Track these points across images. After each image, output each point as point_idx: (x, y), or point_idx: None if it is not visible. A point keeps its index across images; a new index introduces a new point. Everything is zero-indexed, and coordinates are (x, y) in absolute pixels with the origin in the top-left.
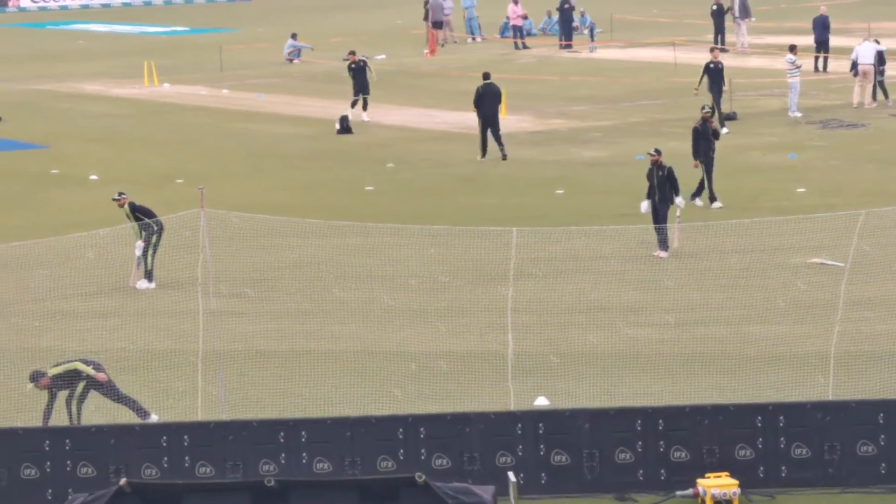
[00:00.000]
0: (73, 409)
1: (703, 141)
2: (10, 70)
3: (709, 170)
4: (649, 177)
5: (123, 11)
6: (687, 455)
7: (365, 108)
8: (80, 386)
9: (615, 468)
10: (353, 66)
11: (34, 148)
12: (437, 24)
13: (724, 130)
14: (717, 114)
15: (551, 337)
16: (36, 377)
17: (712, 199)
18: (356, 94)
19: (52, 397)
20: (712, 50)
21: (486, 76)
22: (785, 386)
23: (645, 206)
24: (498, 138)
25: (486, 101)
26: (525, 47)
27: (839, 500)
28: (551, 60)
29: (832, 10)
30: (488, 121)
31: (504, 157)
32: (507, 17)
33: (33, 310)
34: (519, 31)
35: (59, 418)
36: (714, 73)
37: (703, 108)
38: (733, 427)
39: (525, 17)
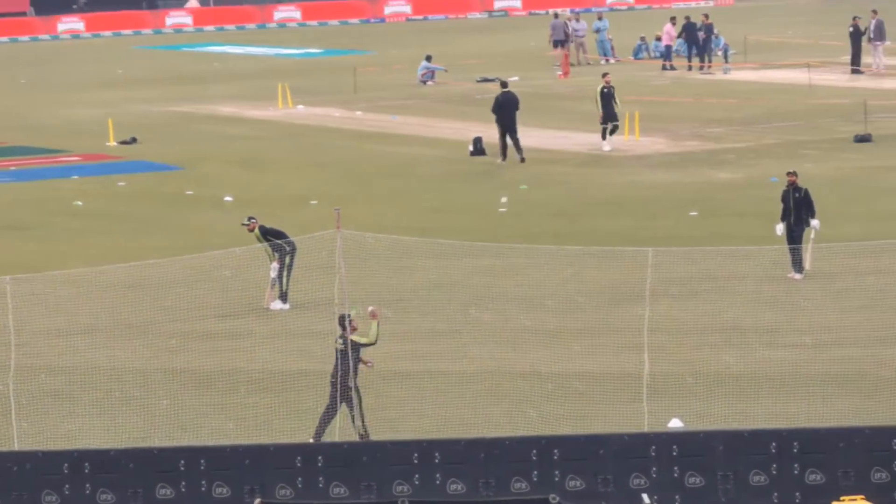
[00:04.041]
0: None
1: None
2: (146, 92)
3: None
4: (784, 198)
5: (258, 34)
6: (822, 478)
7: (613, 133)
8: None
9: (750, 490)
10: (605, 89)
11: (170, 169)
12: (558, 44)
13: None
14: None
15: (686, 357)
16: (345, 321)
17: None
18: (605, 121)
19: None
20: None
21: (503, 84)
22: None
23: (780, 228)
24: (516, 142)
25: (505, 109)
26: (672, 68)
27: None
28: (685, 82)
29: None
30: (506, 127)
31: (522, 160)
32: (658, 40)
33: (170, 330)
34: (668, 52)
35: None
36: None
37: None
38: (869, 450)
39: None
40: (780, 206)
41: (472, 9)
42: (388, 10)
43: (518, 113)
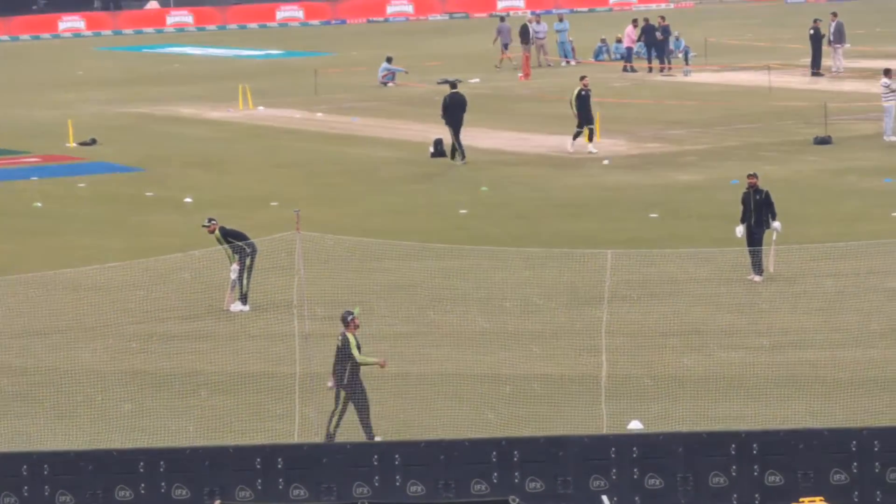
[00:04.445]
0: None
1: None
2: (106, 93)
3: None
4: (745, 200)
5: (218, 35)
6: (781, 479)
7: (591, 138)
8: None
9: (709, 492)
10: (582, 92)
11: (130, 171)
12: (507, 47)
13: None
14: None
15: (645, 360)
16: (347, 318)
17: None
18: (581, 125)
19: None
20: None
21: (453, 85)
22: (880, 410)
23: (740, 230)
24: (459, 142)
25: (453, 109)
26: (633, 70)
27: None
28: (645, 84)
29: None
30: (456, 127)
31: (462, 159)
32: (619, 42)
33: (131, 332)
34: (629, 54)
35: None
36: None
37: None
38: (828, 451)
39: (636, 41)
40: (741, 208)
41: (477, 9)
42: (390, 10)
43: (465, 115)
